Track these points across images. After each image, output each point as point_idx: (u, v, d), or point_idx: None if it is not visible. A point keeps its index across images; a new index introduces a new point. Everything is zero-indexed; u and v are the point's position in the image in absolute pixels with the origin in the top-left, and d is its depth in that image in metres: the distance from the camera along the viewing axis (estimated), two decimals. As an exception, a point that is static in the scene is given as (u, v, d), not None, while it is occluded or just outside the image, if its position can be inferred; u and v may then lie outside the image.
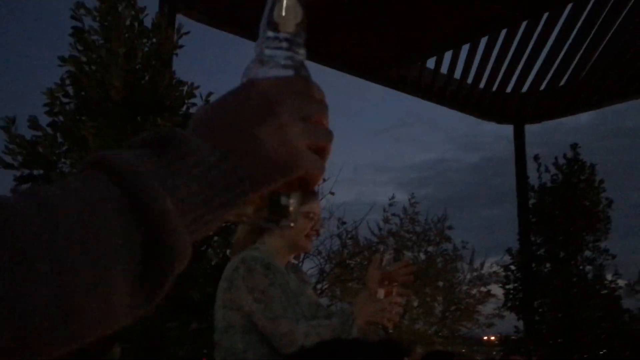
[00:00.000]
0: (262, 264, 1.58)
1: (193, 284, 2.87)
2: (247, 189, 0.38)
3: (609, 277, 5.64)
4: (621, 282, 5.56)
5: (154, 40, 3.27)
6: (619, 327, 5.32)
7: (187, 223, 0.34)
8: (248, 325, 1.55)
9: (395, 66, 5.10)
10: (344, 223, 7.43)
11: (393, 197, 7.61)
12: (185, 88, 3.28)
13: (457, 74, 5.43)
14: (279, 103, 0.40)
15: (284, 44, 0.45)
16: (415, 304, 7.23)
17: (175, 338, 2.83)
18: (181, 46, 3.40)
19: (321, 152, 0.42)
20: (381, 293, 1.63)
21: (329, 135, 0.43)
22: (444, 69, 5.31)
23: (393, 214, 7.54)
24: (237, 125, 0.39)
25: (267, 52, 0.45)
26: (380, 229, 7.50)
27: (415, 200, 7.81)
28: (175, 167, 0.35)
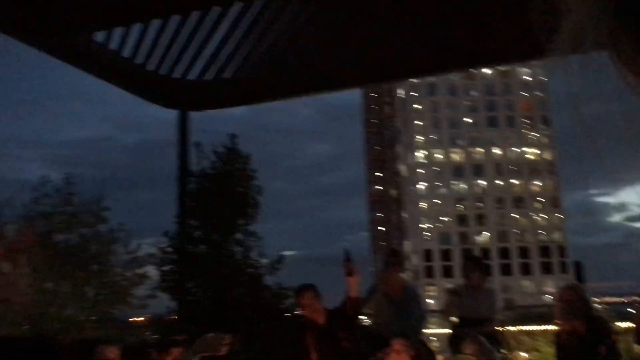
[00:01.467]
0: None
1: None
2: None
3: (255, 257, 6.24)
4: (264, 262, 6.20)
5: None
6: (260, 302, 5.92)
7: None
8: None
9: (60, 34, 4.70)
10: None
11: (47, 177, 7.06)
12: None
13: (127, 52, 5.28)
14: None
15: None
16: (66, 289, 6.85)
17: None
18: None
19: None
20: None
21: None
22: (114, 45, 5.11)
23: (46, 195, 6.98)
24: None
25: None
26: (29, 211, 6.86)
27: (70, 180, 7.37)
28: None
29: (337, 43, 5.36)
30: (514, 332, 7.34)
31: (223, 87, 6.16)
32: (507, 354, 6.28)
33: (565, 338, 4.25)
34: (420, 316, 5.64)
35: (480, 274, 5.92)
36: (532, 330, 8.00)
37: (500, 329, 6.20)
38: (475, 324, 5.65)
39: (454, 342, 5.79)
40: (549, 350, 5.83)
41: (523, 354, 7.56)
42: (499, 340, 5.89)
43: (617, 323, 7.25)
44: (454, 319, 5.90)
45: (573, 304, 4.08)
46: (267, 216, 6.58)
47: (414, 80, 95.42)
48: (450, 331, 6.07)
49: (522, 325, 8.09)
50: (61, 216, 7.16)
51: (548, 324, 5.47)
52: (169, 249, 6.26)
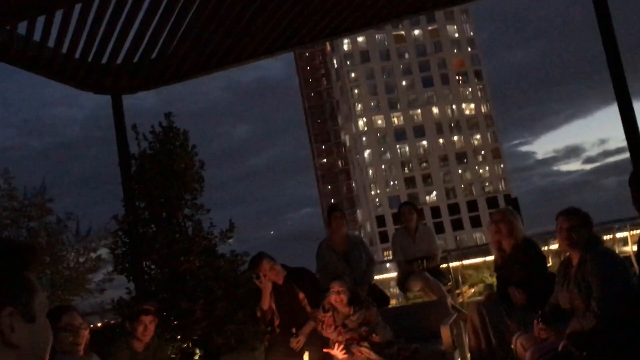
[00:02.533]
0: None
1: None
2: None
3: (206, 229, 6.37)
4: (216, 232, 6.34)
5: None
6: (214, 271, 6.10)
7: None
8: None
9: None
10: None
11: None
12: None
13: (51, 42, 5.29)
14: None
15: None
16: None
17: None
18: None
19: None
20: None
21: None
22: (36, 36, 5.11)
23: (-14, 192, 6.93)
24: None
25: None
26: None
27: (10, 175, 7.33)
28: None
29: (260, 10, 5.50)
30: (459, 267, 7.78)
31: (152, 68, 6.23)
32: (453, 287, 6.70)
33: (498, 260, 4.62)
34: (369, 261, 5.96)
35: (413, 216, 6.29)
36: (477, 264, 8.49)
37: (445, 265, 6.60)
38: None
39: (402, 282, 6.17)
40: (494, 280, 6.24)
41: (470, 288, 8.05)
42: (444, 275, 6.30)
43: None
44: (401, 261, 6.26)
45: (499, 225, 4.43)
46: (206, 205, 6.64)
47: (346, 49, 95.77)
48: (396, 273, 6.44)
49: (467, 260, 8.55)
50: (6, 212, 7.14)
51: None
52: (120, 233, 6.33)
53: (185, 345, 5.96)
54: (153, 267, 6.25)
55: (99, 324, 7.40)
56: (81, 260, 7.59)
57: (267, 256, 5.16)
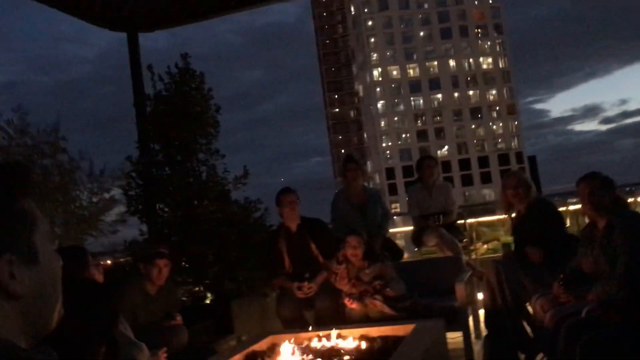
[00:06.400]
0: None
1: None
2: None
3: (220, 174, 6.31)
4: (230, 178, 6.29)
5: None
6: (227, 217, 6.07)
7: None
8: None
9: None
10: None
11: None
12: None
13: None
14: None
15: None
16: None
17: None
18: None
19: None
20: None
21: None
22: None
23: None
24: None
25: None
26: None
27: (23, 110, 7.23)
28: None
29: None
30: (474, 223, 7.71)
31: (170, 6, 6.04)
32: (468, 244, 6.64)
33: (513, 222, 4.54)
34: (384, 215, 5.89)
35: (435, 171, 6.17)
36: (492, 221, 8.41)
37: (460, 221, 6.51)
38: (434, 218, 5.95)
39: (416, 237, 6.10)
40: (509, 239, 6.18)
41: (484, 245, 8.00)
42: (460, 231, 6.22)
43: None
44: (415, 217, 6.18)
45: (518, 190, 4.32)
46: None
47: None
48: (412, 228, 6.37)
49: (483, 217, 8.48)
50: (19, 148, 7.08)
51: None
52: (134, 174, 6.28)
53: (197, 289, 5.99)
54: (166, 210, 6.23)
55: (109, 261, 7.45)
56: (94, 200, 7.58)
57: (293, 192, 5.06)
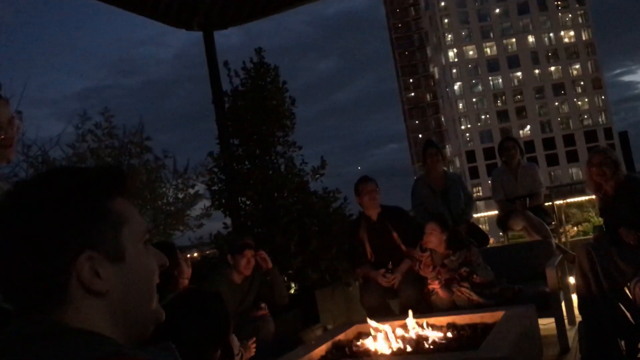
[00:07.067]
0: None
1: None
2: None
3: (298, 166, 6.37)
4: (308, 169, 6.34)
5: None
6: (307, 207, 6.12)
7: None
8: None
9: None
10: (29, 146, 6.95)
11: (85, 114, 7.28)
12: None
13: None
14: None
15: None
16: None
17: None
18: None
19: None
20: None
21: None
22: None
23: (89, 130, 7.23)
24: None
25: None
26: (75, 147, 7.14)
27: (110, 113, 7.59)
28: None
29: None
30: (562, 205, 7.38)
31: (242, 3, 6.12)
32: (557, 226, 6.37)
33: (601, 203, 4.30)
34: (467, 199, 5.74)
35: (517, 152, 5.94)
36: (581, 202, 8.01)
37: (549, 203, 6.25)
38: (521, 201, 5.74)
39: (502, 221, 5.92)
40: (601, 220, 5.88)
41: (574, 227, 7.65)
42: (548, 213, 5.97)
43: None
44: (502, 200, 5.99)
45: (603, 168, 4.08)
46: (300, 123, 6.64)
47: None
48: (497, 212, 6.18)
49: (571, 198, 8.10)
50: (107, 150, 7.44)
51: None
52: (216, 170, 6.45)
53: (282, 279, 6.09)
54: (248, 203, 6.36)
55: (195, 254, 7.69)
56: (180, 196, 7.87)
57: (373, 181, 5.02)
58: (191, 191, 7.80)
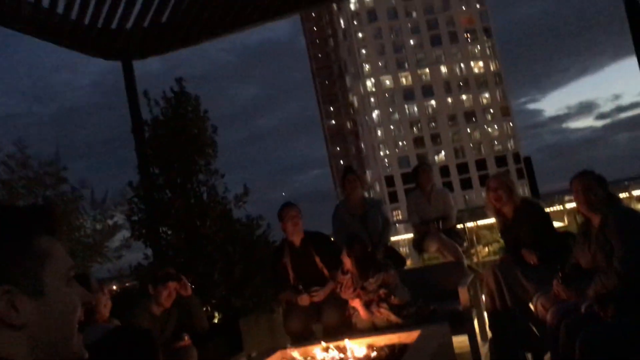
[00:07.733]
0: None
1: None
2: None
3: (221, 194, 6.38)
4: (230, 196, 6.37)
5: None
6: (231, 235, 6.14)
7: None
8: None
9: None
10: None
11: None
12: None
13: (60, 8, 5.22)
14: None
15: None
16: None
17: None
18: None
19: None
20: None
21: None
22: (44, 3, 5.04)
23: (1, 162, 6.95)
24: None
25: None
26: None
27: (24, 143, 7.33)
28: None
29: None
30: (474, 227, 7.78)
31: (162, 33, 6.14)
32: (469, 248, 6.71)
33: (501, 225, 4.59)
34: (385, 224, 5.96)
35: (430, 177, 6.25)
36: (491, 223, 8.46)
37: (460, 225, 6.59)
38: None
39: (418, 243, 6.18)
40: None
41: (484, 248, 8.06)
42: (460, 235, 6.30)
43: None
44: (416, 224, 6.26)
45: (498, 192, 4.37)
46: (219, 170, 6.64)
47: (353, 9, 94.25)
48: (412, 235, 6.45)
49: (482, 220, 8.53)
50: (21, 181, 7.17)
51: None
52: (136, 199, 6.36)
53: (205, 309, 6.04)
54: (170, 232, 6.30)
55: (114, 287, 7.51)
56: (98, 227, 7.67)
57: (295, 206, 5.12)
58: (110, 222, 7.64)
